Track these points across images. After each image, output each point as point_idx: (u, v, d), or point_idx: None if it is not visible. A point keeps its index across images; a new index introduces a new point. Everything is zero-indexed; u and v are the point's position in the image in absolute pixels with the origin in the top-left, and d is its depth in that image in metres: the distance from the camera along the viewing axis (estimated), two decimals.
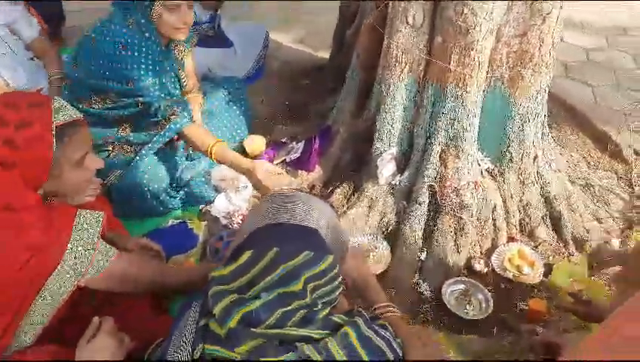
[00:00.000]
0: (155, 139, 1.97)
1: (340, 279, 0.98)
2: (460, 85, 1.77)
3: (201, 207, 2.14)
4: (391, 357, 0.96)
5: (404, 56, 1.84)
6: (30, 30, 2.27)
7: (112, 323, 1.20)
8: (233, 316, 0.89)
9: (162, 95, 1.94)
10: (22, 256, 1.08)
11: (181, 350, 0.94)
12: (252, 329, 0.89)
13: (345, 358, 0.90)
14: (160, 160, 2.11)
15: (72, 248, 1.14)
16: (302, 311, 0.91)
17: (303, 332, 0.90)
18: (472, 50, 1.70)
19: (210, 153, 1.93)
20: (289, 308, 0.90)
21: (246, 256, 0.92)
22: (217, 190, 2.20)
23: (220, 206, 2.12)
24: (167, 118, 1.92)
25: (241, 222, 2.07)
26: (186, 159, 2.24)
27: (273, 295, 0.90)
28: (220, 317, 0.90)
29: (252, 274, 0.92)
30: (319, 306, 0.94)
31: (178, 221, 2.03)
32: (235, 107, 2.44)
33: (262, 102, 2.79)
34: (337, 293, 0.98)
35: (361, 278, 1.29)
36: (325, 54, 3.08)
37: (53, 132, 1.12)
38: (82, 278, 1.17)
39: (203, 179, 2.23)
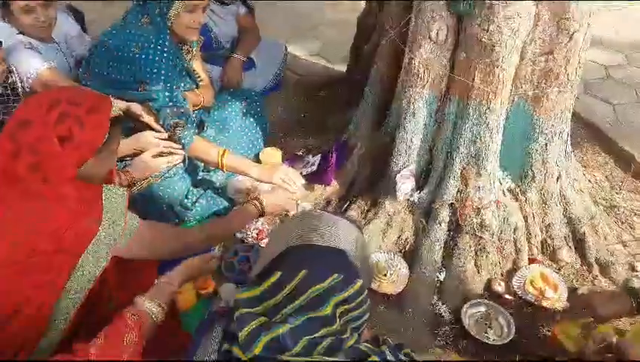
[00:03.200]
0: None
1: (368, 303, 0.95)
2: (483, 102, 1.74)
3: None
4: None
5: (426, 72, 1.82)
6: (82, 49, 2.34)
7: None
8: (259, 342, 0.86)
9: (171, 102, 1.93)
10: (61, 225, 1.17)
11: None
12: (278, 356, 0.85)
13: None
14: (177, 170, 2.09)
15: (105, 218, 1.23)
16: (330, 339, 0.88)
17: (330, 361, 0.87)
18: (497, 67, 1.67)
19: (222, 164, 1.93)
20: (317, 334, 0.87)
21: (274, 277, 0.89)
22: (233, 203, 2.18)
23: None
24: (172, 130, 1.92)
25: (256, 235, 2.04)
26: (203, 170, 2.23)
27: (301, 320, 0.87)
28: (244, 342, 0.87)
29: (280, 297, 0.89)
30: (347, 333, 0.91)
31: None
32: (252, 119, 2.43)
33: (280, 112, 2.78)
34: (365, 318, 0.95)
35: None
36: (341, 67, 3.06)
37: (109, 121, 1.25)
38: (115, 246, 1.26)
39: (219, 191, 2.21)
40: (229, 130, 2.34)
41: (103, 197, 1.26)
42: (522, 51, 1.72)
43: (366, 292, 0.94)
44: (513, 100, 1.83)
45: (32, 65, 2.06)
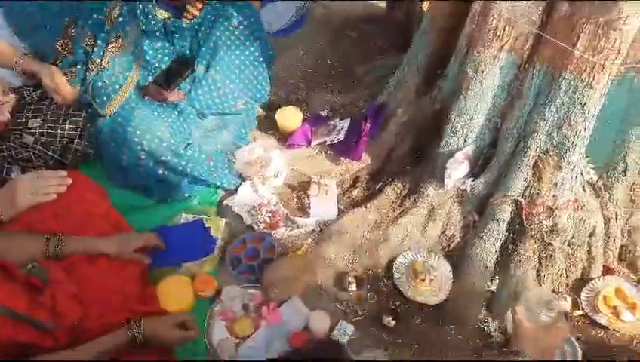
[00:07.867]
0: None
1: None
2: (584, 77, 1.28)
3: (220, 198, 1.74)
4: None
5: (507, 29, 1.33)
6: None
7: None
8: None
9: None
10: None
11: None
12: None
13: None
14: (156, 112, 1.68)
15: None
16: None
17: None
18: (614, 29, 1.19)
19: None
20: None
21: None
22: (242, 177, 1.80)
23: (244, 198, 1.73)
24: None
25: (268, 220, 1.68)
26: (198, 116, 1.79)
27: None
28: None
29: None
30: None
31: (193, 217, 1.65)
32: (249, 44, 1.81)
33: (300, 57, 2.29)
34: None
35: None
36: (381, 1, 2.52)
37: None
38: None
39: (226, 155, 1.81)
40: (219, 62, 1.77)
41: None
42: None
43: None
44: (619, 72, 1.36)
45: None
